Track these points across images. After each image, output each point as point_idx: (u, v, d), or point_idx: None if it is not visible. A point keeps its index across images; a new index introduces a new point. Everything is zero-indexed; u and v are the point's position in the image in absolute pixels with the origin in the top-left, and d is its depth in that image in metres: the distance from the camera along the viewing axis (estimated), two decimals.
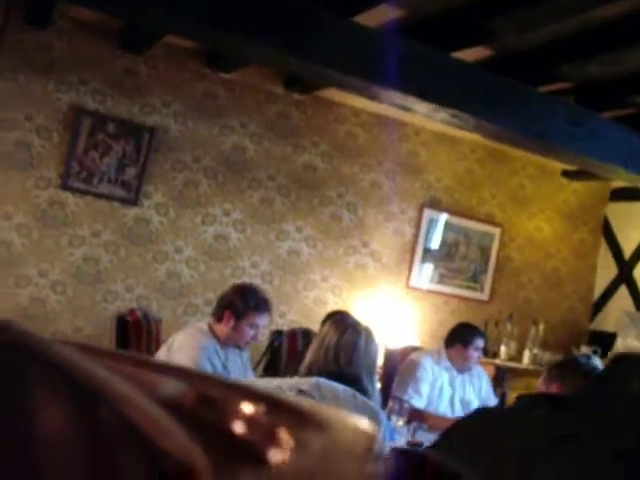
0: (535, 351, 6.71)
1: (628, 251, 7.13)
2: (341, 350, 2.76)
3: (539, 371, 6.03)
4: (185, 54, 5.60)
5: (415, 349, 5.27)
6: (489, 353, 6.57)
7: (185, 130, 5.68)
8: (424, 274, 6.53)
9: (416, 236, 6.46)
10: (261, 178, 5.91)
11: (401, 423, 3.99)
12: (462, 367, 4.83)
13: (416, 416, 4.51)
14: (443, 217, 6.58)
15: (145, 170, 5.56)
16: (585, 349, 6.90)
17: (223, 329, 3.74)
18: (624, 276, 7.11)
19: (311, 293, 6.08)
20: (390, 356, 5.27)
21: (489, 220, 6.79)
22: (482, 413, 1.49)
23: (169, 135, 5.63)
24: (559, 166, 6.97)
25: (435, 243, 6.58)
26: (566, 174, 7.12)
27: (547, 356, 6.63)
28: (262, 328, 3.81)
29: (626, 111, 5.08)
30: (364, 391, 2.75)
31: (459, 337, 4.84)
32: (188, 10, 3.69)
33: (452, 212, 6.61)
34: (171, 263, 5.67)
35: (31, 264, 5.31)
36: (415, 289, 6.48)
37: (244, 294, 3.76)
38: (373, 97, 4.46)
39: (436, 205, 6.56)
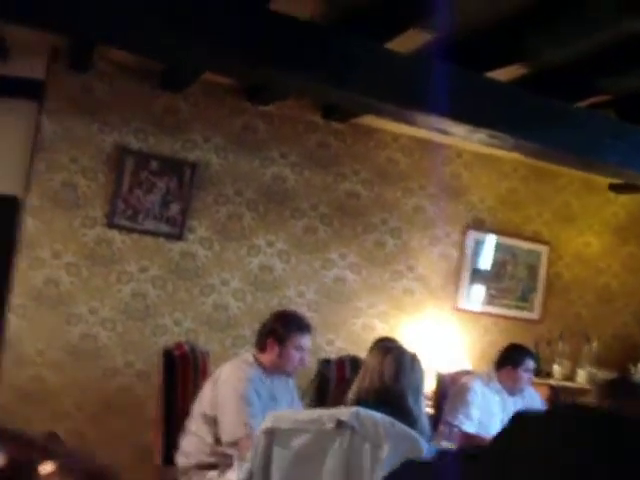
0: (589, 369, 6.59)
1: None
2: (385, 369, 2.77)
3: None
4: (224, 90, 5.68)
5: (466, 373, 5.23)
6: (542, 373, 6.48)
7: (226, 164, 5.75)
8: (472, 296, 6.48)
9: (461, 258, 6.42)
10: (303, 208, 5.94)
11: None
12: (513, 389, 4.78)
13: (467, 441, 4.47)
14: (488, 238, 6.53)
15: (189, 205, 5.64)
16: None
17: (268, 357, 3.77)
18: None
19: (358, 320, 6.08)
20: (442, 380, 5.23)
21: (536, 238, 6.72)
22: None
23: (211, 170, 5.71)
24: (605, 180, 6.88)
25: (482, 264, 6.53)
26: (613, 188, 7.02)
27: (602, 374, 6.51)
28: (308, 351, 3.82)
29: None
30: (408, 410, 2.73)
31: (509, 359, 4.79)
32: (229, 49, 3.75)
33: (497, 232, 6.56)
34: (218, 295, 5.72)
35: (81, 302, 5.41)
36: (463, 311, 6.43)
37: (283, 319, 3.81)
38: (410, 122, 4.47)
39: (480, 226, 6.52)
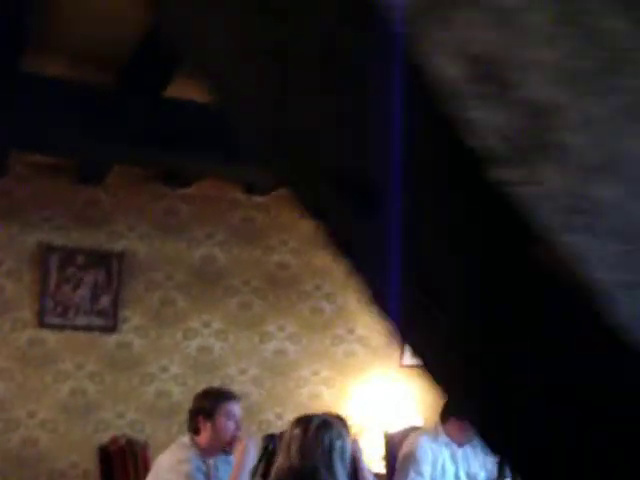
0: None
1: None
2: (292, 444, 2.73)
3: None
4: (141, 177, 5.70)
5: (415, 429, 5.18)
6: None
7: (153, 250, 5.74)
8: None
9: None
10: (236, 284, 5.93)
11: None
12: (462, 440, 4.72)
13: None
14: None
15: (119, 295, 5.60)
16: None
17: (204, 437, 3.71)
18: None
19: (304, 390, 6.03)
20: (390, 440, 5.17)
21: None
22: None
23: (138, 257, 5.69)
24: None
25: None
26: None
27: None
28: (240, 420, 3.76)
29: None
30: None
31: (451, 410, 4.76)
32: (134, 140, 3.80)
33: None
34: (159, 383, 5.64)
35: (17, 406, 5.28)
36: (409, 367, 6.40)
37: (207, 394, 3.78)
38: None
39: None
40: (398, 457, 4.81)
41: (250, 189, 5.98)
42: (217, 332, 5.85)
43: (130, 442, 4.37)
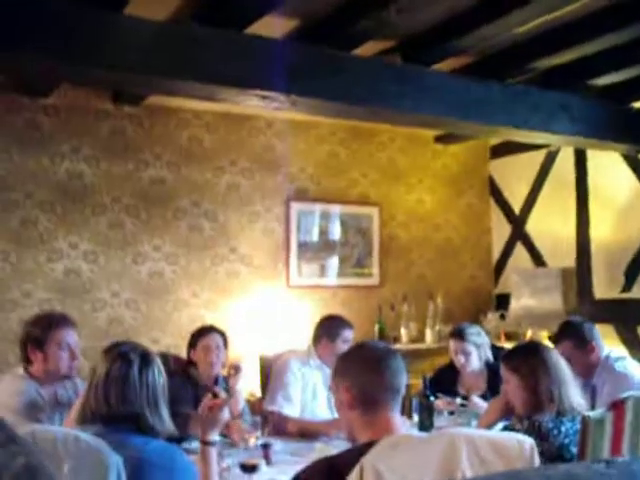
0: (438, 327, 6.41)
1: (517, 207, 6.87)
2: (111, 387, 2.39)
3: (444, 347, 5.74)
4: None
5: (290, 352, 4.90)
6: (390, 339, 6.26)
7: (12, 166, 5.26)
8: (304, 270, 6.18)
9: (287, 232, 6.11)
10: (105, 202, 5.51)
11: (253, 441, 3.62)
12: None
13: (289, 425, 4.16)
14: (313, 207, 6.24)
15: None
16: (491, 315, 6.64)
17: (36, 368, 3.37)
18: (518, 233, 6.85)
19: (183, 313, 5.70)
20: (266, 363, 4.90)
21: (364, 201, 6.47)
22: None
23: None
24: (430, 133, 6.69)
25: (310, 235, 6.24)
26: (439, 139, 6.84)
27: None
28: (76, 347, 3.43)
29: (461, 61, 4.77)
30: (150, 428, 2.39)
31: (324, 332, 4.48)
32: None
33: (322, 200, 6.28)
34: (22, 310, 5.23)
35: None
36: (297, 287, 6.13)
37: (35, 321, 3.43)
38: (171, 91, 4.13)
39: (303, 196, 6.22)
40: (269, 383, 4.55)
41: (119, 98, 5.50)
42: (85, 253, 5.44)
43: None
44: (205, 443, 2.77)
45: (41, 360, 3.35)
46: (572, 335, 4.04)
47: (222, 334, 4.18)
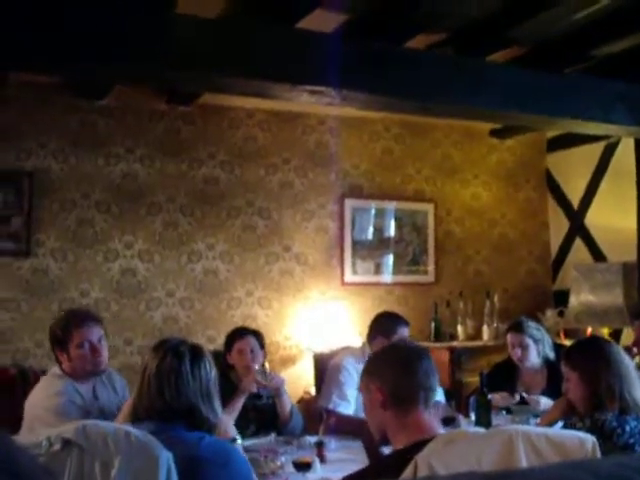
0: (495, 324, 6.30)
1: (576, 201, 6.72)
2: (163, 381, 2.37)
3: (501, 345, 5.63)
4: (51, 89, 5.24)
5: (344, 349, 4.86)
6: (445, 336, 6.19)
7: (67, 167, 5.33)
8: (358, 267, 6.14)
9: (341, 229, 6.07)
10: (160, 201, 5.54)
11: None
12: None
13: (345, 423, 4.12)
14: (367, 204, 6.19)
15: (32, 217, 5.21)
16: (550, 312, 6.50)
17: (66, 366, 3.36)
18: (577, 227, 6.70)
19: (237, 311, 5.70)
20: (319, 361, 4.86)
21: (419, 197, 6.40)
22: None
23: (51, 176, 5.29)
24: (486, 126, 6.59)
25: (365, 232, 6.19)
26: (495, 133, 6.73)
27: None
28: (100, 342, 3.39)
29: (515, 51, 4.67)
30: (205, 420, 2.37)
31: (379, 329, 4.42)
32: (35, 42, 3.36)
33: (377, 196, 6.22)
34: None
35: None
36: (352, 284, 6.09)
37: (58, 322, 3.40)
38: (221, 89, 4.12)
39: (357, 193, 6.18)
40: (324, 380, 4.51)
41: (173, 98, 5.53)
42: (141, 252, 5.48)
43: (23, 371, 4.05)
44: None
45: (67, 360, 3.34)
46: None
47: (257, 335, 4.10)
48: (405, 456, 1.90)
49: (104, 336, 3.40)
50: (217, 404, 2.47)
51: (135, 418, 2.38)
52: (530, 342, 4.38)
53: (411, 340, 4.49)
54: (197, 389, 2.40)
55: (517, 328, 4.43)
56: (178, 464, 2.08)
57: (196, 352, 2.49)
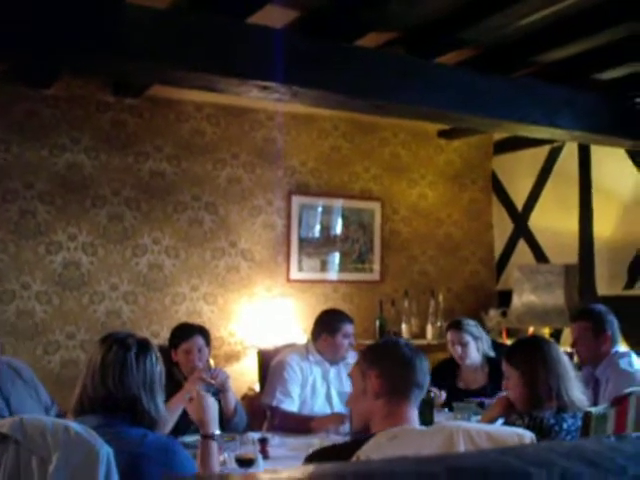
0: (439, 324, 6.36)
1: (520, 203, 6.82)
2: (108, 370, 2.35)
3: (445, 344, 5.69)
4: None
5: (288, 346, 4.86)
6: (390, 334, 6.22)
7: (10, 157, 5.22)
8: (304, 264, 6.14)
9: (288, 226, 6.06)
10: (105, 194, 5.46)
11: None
12: (334, 358, 4.43)
13: (288, 420, 4.12)
14: (314, 201, 6.19)
15: None
16: (493, 312, 6.59)
17: None
18: (521, 229, 6.80)
19: (181, 307, 5.65)
20: (264, 358, 4.85)
21: (366, 196, 6.42)
22: None
23: None
24: (434, 127, 6.64)
25: (311, 229, 6.19)
26: (443, 134, 6.80)
27: None
28: None
29: (465, 53, 4.72)
30: (144, 412, 2.35)
31: (324, 326, 4.43)
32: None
33: (324, 194, 6.23)
34: (20, 301, 5.20)
35: None
36: (297, 282, 6.08)
37: None
38: (170, 81, 4.09)
39: (305, 190, 6.17)
40: (267, 378, 4.50)
41: (119, 90, 5.46)
42: (84, 245, 5.39)
43: None
44: (205, 437, 2.76)
45: None
46: (592, 318, 4.05)
47: (203, 332, 4.06)
48: (362, 443, 1.94)
49: None
50: (160, 399, 2.45)
51: (80, 410, 2.35)
52: (469, 339, 4.49)
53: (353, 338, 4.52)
54: (140, 380, 2.38)
55: (456, 326, 4.56)
56: (121, 460, 2.06)
57: (143, 345, 2.48)
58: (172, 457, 2.28)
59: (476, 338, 4.51)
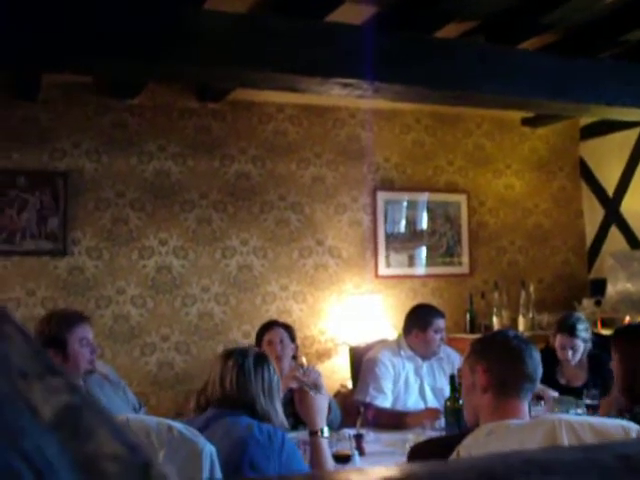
0: (531, 315, 6.25)
1: (610, 189, 6.64)
2: (226, 375, 2.47)
3: (538, 335, 5.60)
4: (82, 89, 5.29)
5: (379, 342, 4.85)
6: (481, 328, 6.14)
7: (101, 167, 5.37)
8: (392, 259, 6.12)
9: (374, 222, 6.05)
10: (193, 198, 5.57)
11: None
12: (426, 353, 4.41)
13: (382, 416, 4.12)
14: (400, 196, 6.17)
15: (67, 216, 5.27)
16: (587, 301, 6.43)
17: (67, 367, 3.26)
18: (612, 216, 6.63)
19: (272, 306, 5.71)
20: (356, 354, 4.86)
21: (451, 189, 6.36)
22: None
23: (85, 176, 5.33)
24: (517, 115, 6.53)
25: (397, 225, 6.17)
26: (526, 122, 6.67)
27: (546, 318, 6.18)
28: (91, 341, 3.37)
29: (547, 38, 4.62)
30: (265, 414, 2.44)
31: (415, 322, 4.42)
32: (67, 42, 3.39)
33: (409, 189, 6.20)
34: (116, 306, 5.35)
35: None
36: (386, 277, 6.07)
37: (47, 322, 3.30)
38: (250, 83, 4.13)
39: (389, 185, 6.16)
40: (359, 374, 4.51)
41: (203, 95, 5.56)
42: (175, 249, 5.51)
43: None
44: (312, 433, 2.80)
45: (61, 360, 3.15)
46: None
47: (287, 327, 4.15)
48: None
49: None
50: (279, 406, 2.54)
51: (196, 409, 2.46)
52: (581, 344, 4.30)
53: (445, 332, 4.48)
54: (259, 386, 2.48)
55: (570, 332, 4.23)
56: (229, 444, 2.13)
57: (261, 356, 2.60)
58: (282, 444, 2.34)
59: (586, 341, 4.34)
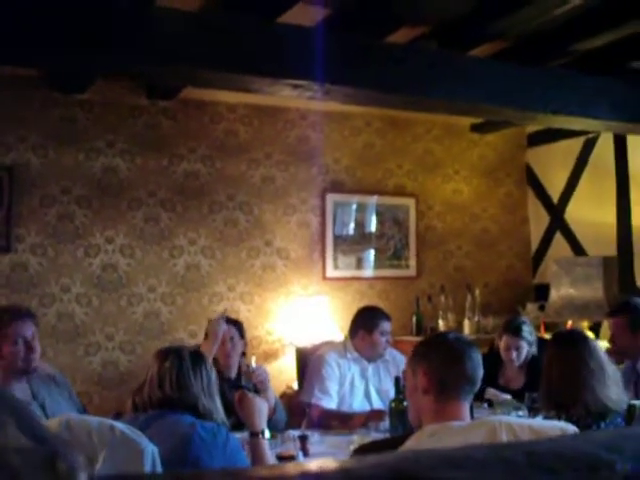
0: (476, 318, 6.33)
1: (555, 196, 6.76)
2: (164, 377, 2.44)
3: (483, 339, 5.68)
4: (29, 82, 5.20)
5: (326, 344, 4.86)
6: (427, 330, 6.19)
7: (47, 162, 5.29)
8: (340, 262, 6.14)
9: (323, 224, 6.07)
10: (141, 196, 5.52)
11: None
12: (372, 355, 4.43)
13: (327, 417, 4.13)
14: (349, 198, 6.19)
15: (11, 212, 5.17)
16: (531, 306, 6.53)
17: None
18: (557, 222, 6.74)
19: (219, 306, 5.68)
20: (302, 355, 4.87)
21: (400, 192, 6.41)
22: None
23: (31, 171, 5.25)
24: (467, 121, 6.60)
25: (346, 227, 6.20)
26: (475, 128, 6.75)
27: (491, 321, 6.26)
28: (33, 340, 3.22)
29: (497, 46, 4.68)
30: (207, 413, 2.43)
31: (361, 323, 4.43)
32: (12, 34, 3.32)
33: (358, 191, 6.23)
34: (60, 304, 5.27)
35: None
36: (333, 279, 6.09)
37: None
38: (199, 83, 4.11)
39: (339, 187, 6.18)
40: (305, 375, 4.51)
41: (153, 93, 5.51)
42: (122, 247, 5.45)
43: None
44: (253, 435, 2.79)
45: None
46: (629, 313, 3.89)
47: (236, 324, 4.11)
48: (405, 440, 1.93)
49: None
50: (219, 403, 2.53)
51: (134, 409, 2.44)
52: (525, 345, 4.36)
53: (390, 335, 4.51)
54: (199, 385, 2.47)
55: (515, 332, 4.32)
56: (171, 442, 2.12)
57: (197, 355, 2.58)
58: (223, 442, 2.33)
59: (530, 344, 4.41)
